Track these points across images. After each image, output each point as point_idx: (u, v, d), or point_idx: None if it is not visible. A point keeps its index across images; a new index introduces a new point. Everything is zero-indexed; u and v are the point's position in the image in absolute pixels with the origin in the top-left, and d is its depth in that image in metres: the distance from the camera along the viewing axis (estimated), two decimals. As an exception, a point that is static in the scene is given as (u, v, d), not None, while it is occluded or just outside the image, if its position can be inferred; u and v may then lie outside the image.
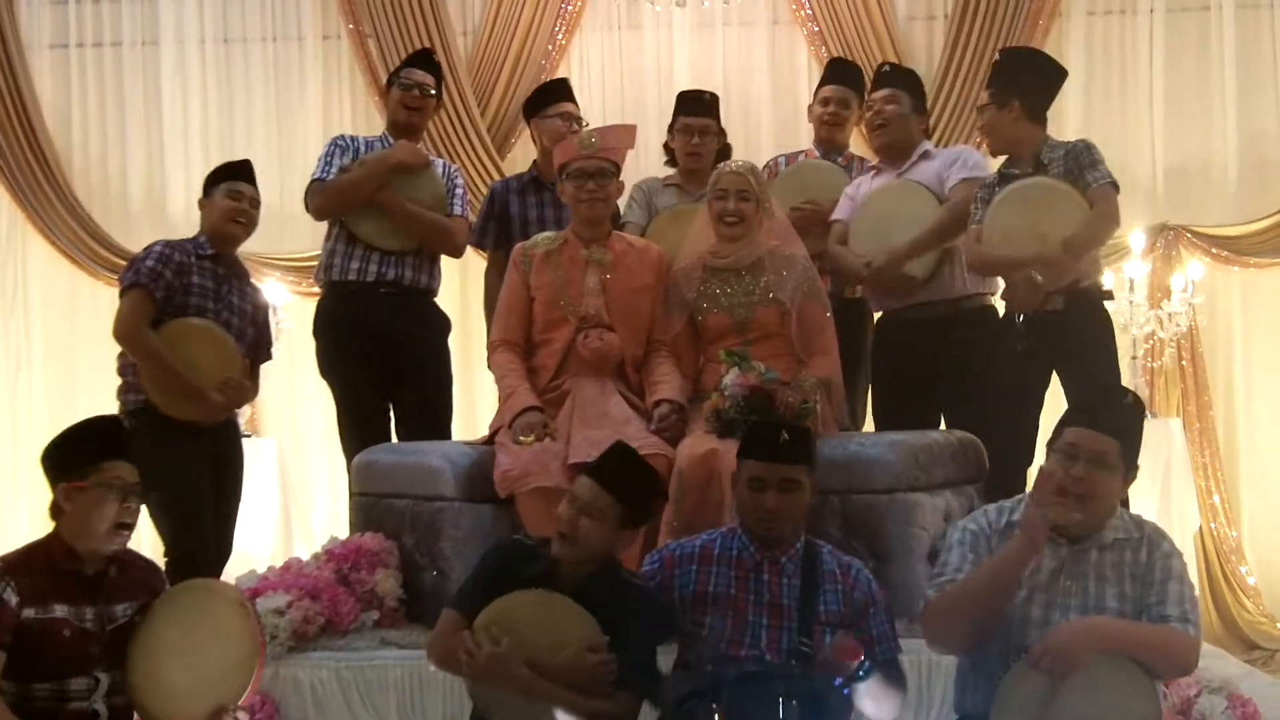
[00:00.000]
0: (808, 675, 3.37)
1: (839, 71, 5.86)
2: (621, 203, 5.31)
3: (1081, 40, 7.61)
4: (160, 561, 4.49)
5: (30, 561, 3.50)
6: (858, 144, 6.08)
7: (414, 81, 5.53)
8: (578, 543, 3.51)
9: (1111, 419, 3.36)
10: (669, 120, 5.63)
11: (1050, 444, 3.42)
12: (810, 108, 5.84)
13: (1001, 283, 5.04)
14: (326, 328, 5.52)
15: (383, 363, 5.40)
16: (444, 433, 5.53)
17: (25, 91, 7.66)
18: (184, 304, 4.81)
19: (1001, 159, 4.96)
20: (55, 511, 3.56)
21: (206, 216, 4.98)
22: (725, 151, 5.55)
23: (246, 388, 4.96)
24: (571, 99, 5.74)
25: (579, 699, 3.38)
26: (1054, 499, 3.30)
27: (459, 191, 5.57)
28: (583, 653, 3.38)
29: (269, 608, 4.43)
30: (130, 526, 3.57)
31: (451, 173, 5.64)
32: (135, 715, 3.61)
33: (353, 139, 5.59)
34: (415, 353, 5.47)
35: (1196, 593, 3.38)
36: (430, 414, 5.53)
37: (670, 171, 5.64)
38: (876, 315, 5.55)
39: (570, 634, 3.42)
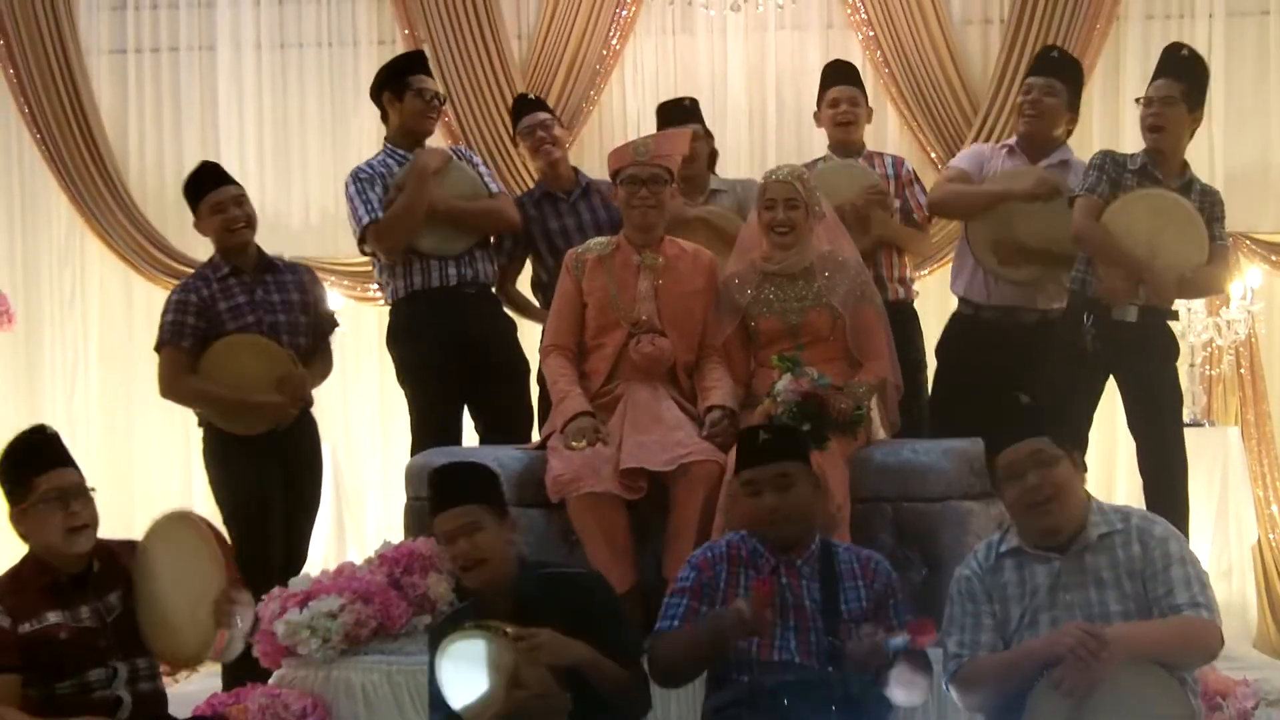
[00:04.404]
0: (844, 679, 3.37)
1: (840, 72, 5.79)
2: None
3: (1139, 45, 7.50)
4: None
5: (13, 583, 3.58)
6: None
7: (433, 91, 5.51)
8: (484, 563, 3.52)
9: (1025, 426, 3.40)
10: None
11: (995, 484, 3.45)
12: (817, 114, 5.77)
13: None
14: (404, 336, 5.51)
15: (461, 367, 5.40)
16: (524, 434, 5.49)
17: (84, 96, 7.71)
18: (223, 332, 4.88)
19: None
20: (17, 532, 3.61)
21: (209, 237, 5.02)
22: (713, 156, 5.72)
23: (305, 377, 4.99)
24: (543, 108, 5.87)
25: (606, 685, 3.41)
26: (1029, 515, 3.32)
27: (483, 169, 5.62)
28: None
29: (322, 610, 4.45)
30: (87, 525, 3.58)
31: (467, 155, 5.68)
32: (161, 695, 3.69)
33: (369, 166, 5.49)
34: (491, 354, 5.47)
35: (1204, 569, 3.33)
36: (509, 416, 5.53)
37: None
38: (957, 311, 5.51)
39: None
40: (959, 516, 4.47)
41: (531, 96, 6.10)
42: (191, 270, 6.98)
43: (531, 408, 5.60)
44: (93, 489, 3.64)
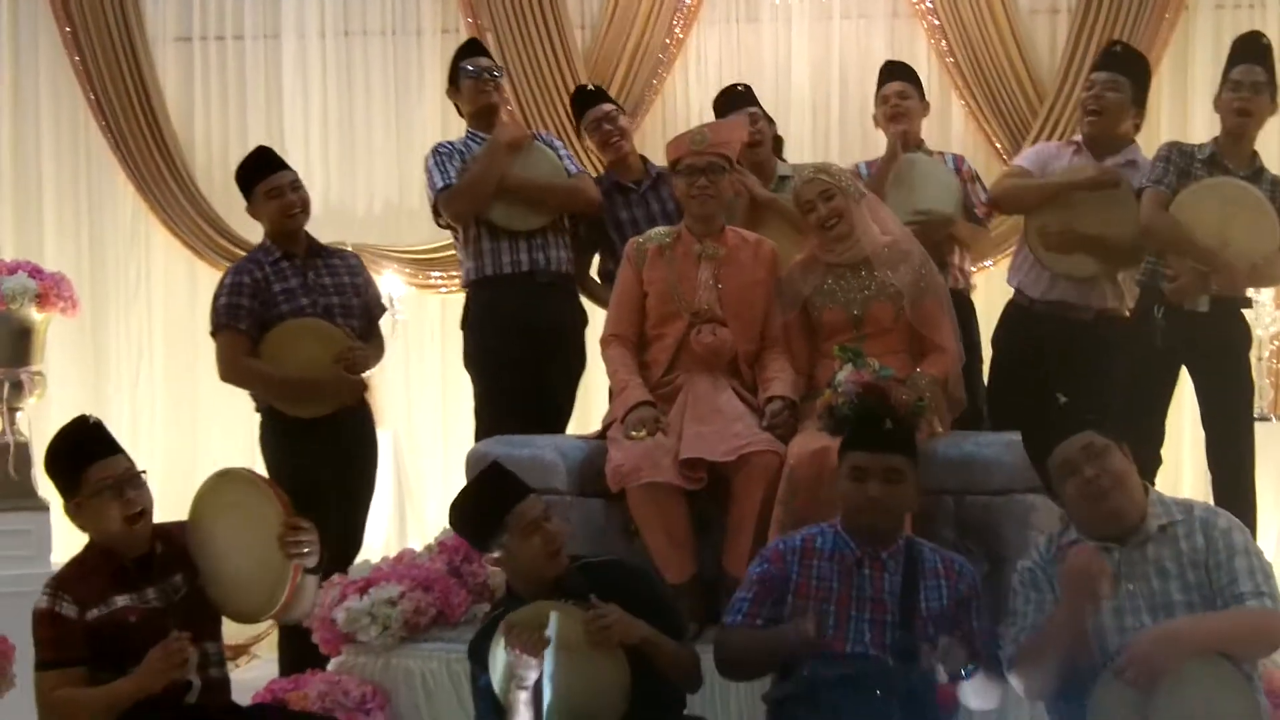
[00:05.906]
0: (908, 674, 3.38)
1: (889, 70, 5.74)
2: None
3: (1209, 34, 7.40)
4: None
5: (78, 571, 3.60)
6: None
7: (480, 67, 5.57)
8: (563, 549, 3.62)
9: (1065, 426, 3.42)
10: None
11: (1048, 483, 3.48)
12: (875, 116, 5.71)
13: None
14: (474, 323, 5.56)
15: (528, 357, 5.41)
16: (556, 424, 5.53)
17: (150, 83, 7.75)
18: (278, 315, 4.90)
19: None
20: (76, 525, 3.64)
21: (262, 221, 5.05)
22: (778, 141, 5.67)
23: (364, 351, 5.02)
24: (605, 98, 5.84)
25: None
26: (1091, 506, 3.32)
27: (564, 152, 5.66)
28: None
29: (382, 598, 4.48)
30: (145, 509, 3.61)
31: (548, 139, 5.71)
32: (226, 681, 3.72)
33: (450, 144, 5.58)
34: (557, 347, 5.50)
35: (1268, 560, 3.31)
36: (547, 405, 5.54)
37: None
38: (1012, 301, 5.45)
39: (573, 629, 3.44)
40: (1021, 510, 4.43)
41: (591, 87, 6.09)
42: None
43: (564, 408, 5.65)
44: (143, 471, 3.67)
